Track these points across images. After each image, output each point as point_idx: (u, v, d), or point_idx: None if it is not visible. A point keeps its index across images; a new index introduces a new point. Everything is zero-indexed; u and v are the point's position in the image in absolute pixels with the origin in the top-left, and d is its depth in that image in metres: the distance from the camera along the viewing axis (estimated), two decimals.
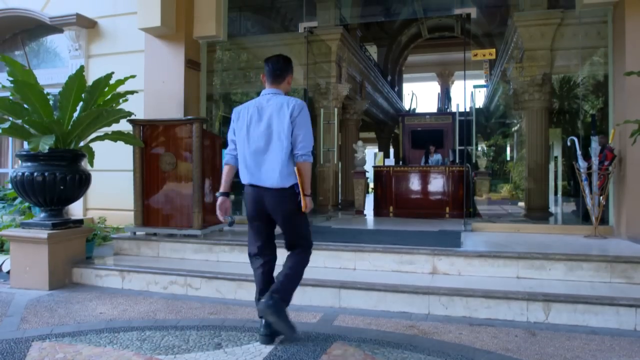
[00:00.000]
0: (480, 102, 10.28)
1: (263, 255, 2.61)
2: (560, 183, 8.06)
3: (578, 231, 4.66)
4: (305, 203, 2.48)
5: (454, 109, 12.32)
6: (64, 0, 6.09)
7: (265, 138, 2.50)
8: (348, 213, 7.57)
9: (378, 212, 7.07)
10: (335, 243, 3.87)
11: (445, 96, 16.08)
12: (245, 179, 2.58)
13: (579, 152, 4.54)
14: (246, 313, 3.07)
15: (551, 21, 6.37)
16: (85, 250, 4.15)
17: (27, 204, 5.26)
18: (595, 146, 4.44)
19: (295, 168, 2.47)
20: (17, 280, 3.79)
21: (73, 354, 2.36)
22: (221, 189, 2.68)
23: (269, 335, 2.48)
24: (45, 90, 3.75)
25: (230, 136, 2.66)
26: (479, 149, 9.61)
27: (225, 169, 2.70)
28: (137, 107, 4.61)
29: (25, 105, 3.70)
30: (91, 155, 4.11)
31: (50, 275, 3.71)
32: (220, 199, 2.65)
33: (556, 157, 8.18)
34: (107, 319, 2.96)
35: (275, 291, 2.44)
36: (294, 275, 2.57)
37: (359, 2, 8.11)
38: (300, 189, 2.47)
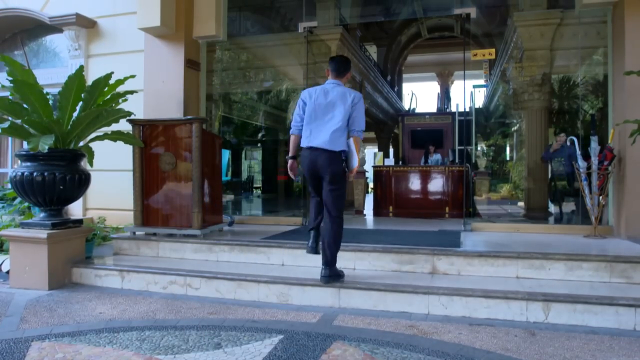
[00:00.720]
0: (479, 102, 10.29)
1: (317, 196, 3.37)
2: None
3: (577, 231, 4.66)
4: (353, 168, 3.27)
5: (453, 108, 12.33)
6: (64, 0, 6.09)
7: (326, 113, 3.26)
8: (348, 213, 7.57)
9: (378, 212, 7.07)
10: None
11: (445, 96, 16.09)
12: (305, 142, 3.29)
13: (578, 152, 4.54)
14: (246, 313, 3.07)
15: (551, 21, 6.37)
16: (85, 250, 4.15)
17: (26, 204, 5.26)
18: (594, 146, 4.44)
19: (352, 140, 3.26)
20: (16, 280, 3.79)
21: (72, 354, 2.36)
22: (290, 154, 3.45)
23: (315, 248, 3.32)
24: (45, 90, 3.75)
25: (298, 112, 3.38)
26: (479, 148, 9.61)
27: (292, 138, 3.43)
28: (137, 107, 4.61)
29: (25, 105, 3.70)
30: (91, 155, 4.10)
31: (49, 275, 3.71)
32: (290, 162, 3.45)
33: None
34: (106, 318, 2.96)
35: (326, 263, 3.27)
36: (334, 243, 3.28)
37: (358, 2, 8.11)
38: (355, 154, 3.25)
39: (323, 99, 3.27)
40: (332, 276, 3.26)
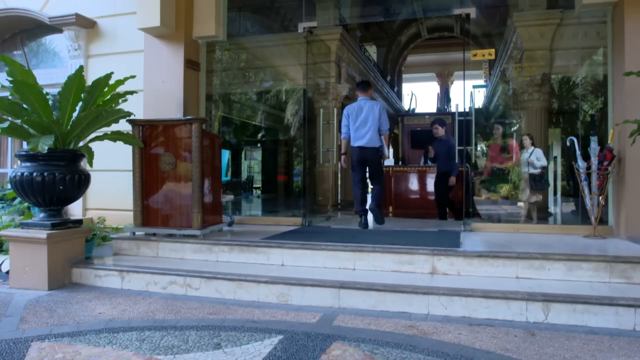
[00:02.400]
0: (479, 102, 10.27)
1: (361, 182, 5.10)
2: (559, 183, 8.06)
3: (577, 231, 4.66)
4: (385, 155, 5.16)
5: (453, 109, 12.31)
6: (63, 0, 6.09)
7: (364, 121, 4.95)
8: (348, 213, 7.56)
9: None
10: (335, 243, 3.88)
11: (444, 96, 16.08)
12: (355, 143, 4.98)
13: (578, 152, 4.54)
14: (245, 313, 3.07)
15: (550, 21, 6.37)
16: (85, 251, 4.15)
17: (26, 204, 5.26)
18: (594, 146, 4.44)
19: (383, 137, 5.06)
20: (16, 281, 3.78)
21: (72, 354, 2.36)
22: (342, 151, 5.32)
23: (366, 224, 5.05)
24: (45, 90, 3.75)
25: (344, 122, 5.05)
26: (479, 149, 9.60)
27: (344, 141, 5.14)
28: (137, 107, 4.61)
29: (25, 105, 3.70)
30: (90, 155, 4.10)
31: (49, 276, 3.71)
32: (342, 157, 5.34)
33: (555, 157, 8.17)
34: (106, 319, 2.96)
35: (377, 204, 5.07)
36: (380, 195, 5.27)
37: (358, 2, 8.11)
38: (385, 146, 5.14)
39: (360, 113, 4.97)
40: (380, 212, 5.11)
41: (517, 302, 2.91)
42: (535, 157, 6.51)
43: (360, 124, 4.91)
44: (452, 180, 6.34)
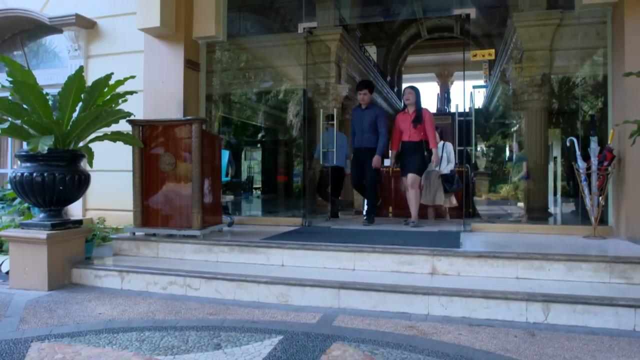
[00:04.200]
0: (479, 103, 10.28)
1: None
2: (559, 183, 8.06)
3: (577, 231, 4.66)
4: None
5: (453, 109, 12.32)
6: (63, 0, 6.09)
7: (365, 126, 5.46)
8: (347, 213, 7.56)
9: (377, 212, 7.05)
10: (335, 243, 3.88)
11: (444, 96, 16.09)
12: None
13: (578, 153, 4.54)
14: (245, 313, 3.07)
15: (550, 21, 6.38)
16: (85, 251, 4.14)
17: (26, 205, 5.26)
18: (594, 146, 4.44)
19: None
20: (16, 281, 3.78)
21: (72, 355, 2.36)
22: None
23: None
24: (45, 91, 3.74)
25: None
26: (479, 149, 9.61)
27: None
28: (137, 107, 4.61)
29: (25, 106, 3.69)
30: (90, 155, 4.10)
31: (49, 276, 3.71)
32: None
33: (555, 158, 8.18)
34: (106, 319, 2.96)
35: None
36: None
37: (358, 2, 8.11)
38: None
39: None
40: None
41: (517, 302, 2.91)
42: (445, 152, 6.18)
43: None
44: (377, 160, 5.37)
